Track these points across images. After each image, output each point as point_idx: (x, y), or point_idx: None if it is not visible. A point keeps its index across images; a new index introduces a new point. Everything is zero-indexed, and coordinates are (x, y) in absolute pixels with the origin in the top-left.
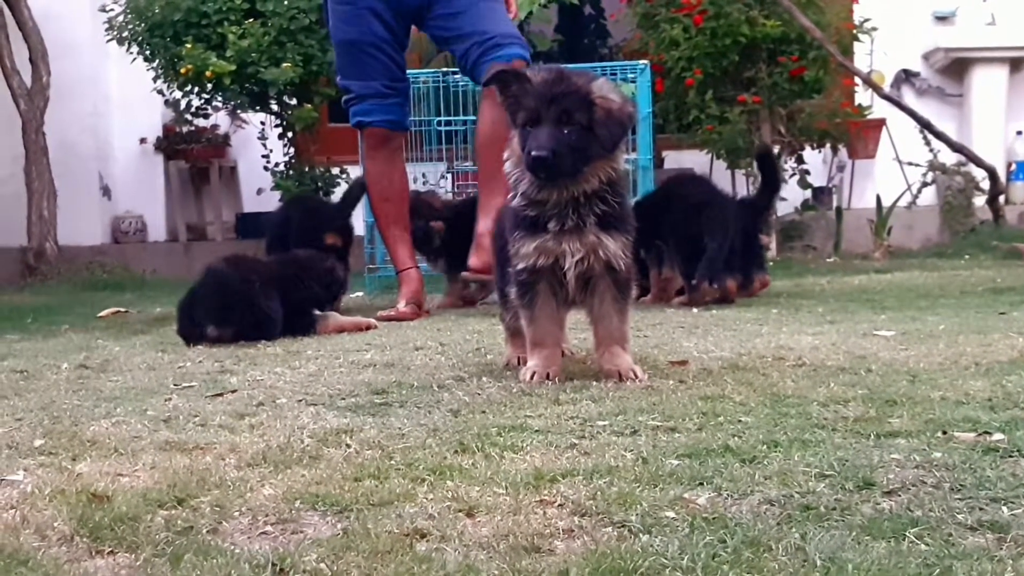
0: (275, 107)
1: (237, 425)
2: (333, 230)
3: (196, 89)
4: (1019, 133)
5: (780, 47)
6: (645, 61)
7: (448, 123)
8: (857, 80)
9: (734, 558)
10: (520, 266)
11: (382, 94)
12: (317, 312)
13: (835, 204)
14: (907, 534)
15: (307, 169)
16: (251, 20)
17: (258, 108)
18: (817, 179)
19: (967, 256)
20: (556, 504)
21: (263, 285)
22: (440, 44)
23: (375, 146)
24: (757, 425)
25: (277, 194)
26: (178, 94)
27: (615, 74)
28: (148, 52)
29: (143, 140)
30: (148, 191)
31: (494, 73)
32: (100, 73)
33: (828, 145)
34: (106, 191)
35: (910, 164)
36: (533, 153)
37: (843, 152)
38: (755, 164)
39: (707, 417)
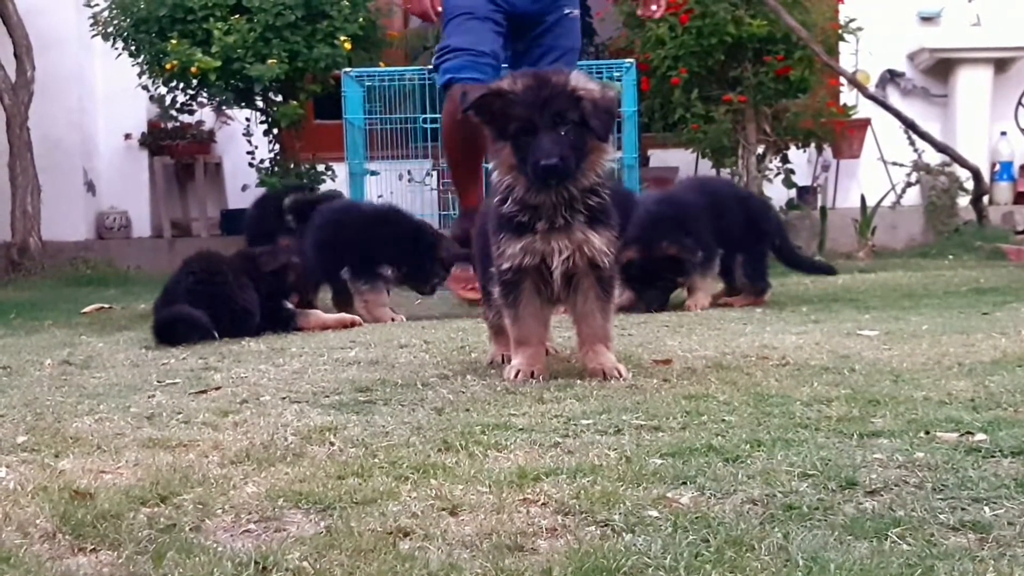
0: (260, 103)
1: (221, 422)
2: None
3: (181, 85)
4: (1003, 134)
5: (766, 46)
6: (631, 60)
7: (434, 120)
8: (842, 80)
9: (717, 557)
10: (505, 266)
11: (497, 58)
12: (292, 307)
13: (820, 203)
14: (889, 534)
15: (292, 166)
16: (237, 16)
17: (243, 104)
18: (802, 178)
19: (951, 256)
20: (539, 503)
21: (235, 279)
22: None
23: None
24: (740, 424)
25: (262, 191)
26: (163, 90)
27: (600, 72)
28: (133, 48)
29: (128, 136)
30: (133, 187)
31: (475, 100)
32: (85, 68)
33: (813, 145)
34: (90, 187)
35: (895, 164)
36: (543, 163)
37: (828, 152)
38: None
39: (691, 416)
